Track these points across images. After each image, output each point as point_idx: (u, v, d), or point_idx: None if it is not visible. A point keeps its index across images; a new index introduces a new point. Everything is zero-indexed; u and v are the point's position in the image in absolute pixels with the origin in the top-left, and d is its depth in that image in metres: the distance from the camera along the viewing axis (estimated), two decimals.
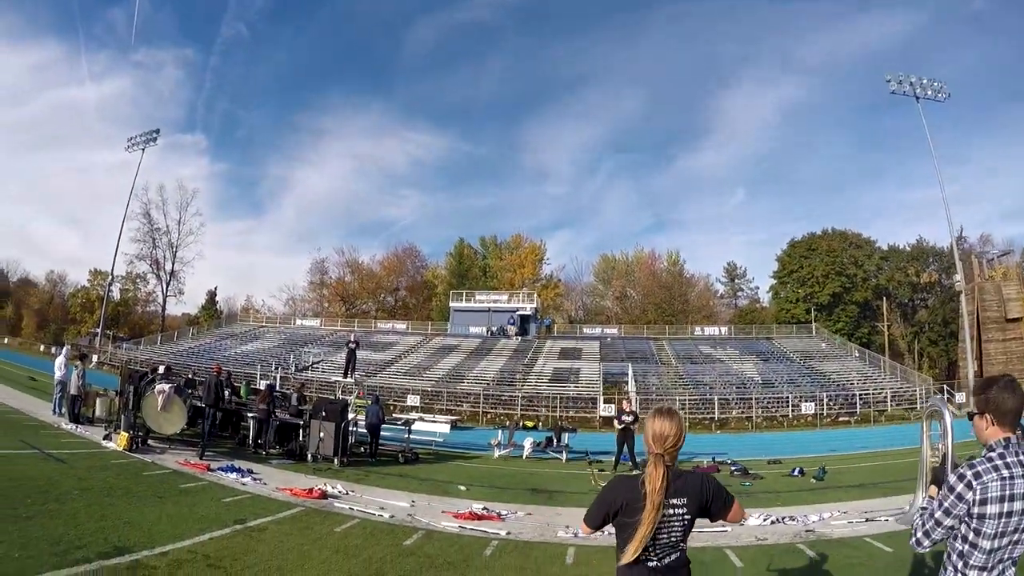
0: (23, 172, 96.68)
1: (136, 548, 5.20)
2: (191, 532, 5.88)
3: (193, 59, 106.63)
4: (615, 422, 15.09)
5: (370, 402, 14.39)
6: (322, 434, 11.47)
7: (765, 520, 7.94)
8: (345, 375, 17.78)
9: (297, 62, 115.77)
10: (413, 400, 28.55)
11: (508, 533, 7.02)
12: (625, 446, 13.46)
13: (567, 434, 15.95)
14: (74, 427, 12.25)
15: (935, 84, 37.51)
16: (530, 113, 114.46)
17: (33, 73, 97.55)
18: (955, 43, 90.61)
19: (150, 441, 11.06)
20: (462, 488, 10.09)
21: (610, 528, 2.40)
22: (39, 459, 8.90)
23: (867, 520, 7.82)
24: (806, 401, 28.02)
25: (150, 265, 59.50)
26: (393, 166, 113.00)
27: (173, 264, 59.51)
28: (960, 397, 30.31)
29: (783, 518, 8.07)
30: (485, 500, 8.96)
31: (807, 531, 7.42)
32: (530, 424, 15.84)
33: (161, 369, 15.23)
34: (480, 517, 7.73)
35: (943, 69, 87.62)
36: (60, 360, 13.61)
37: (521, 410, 27.97)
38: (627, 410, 14.14)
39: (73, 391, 12.98)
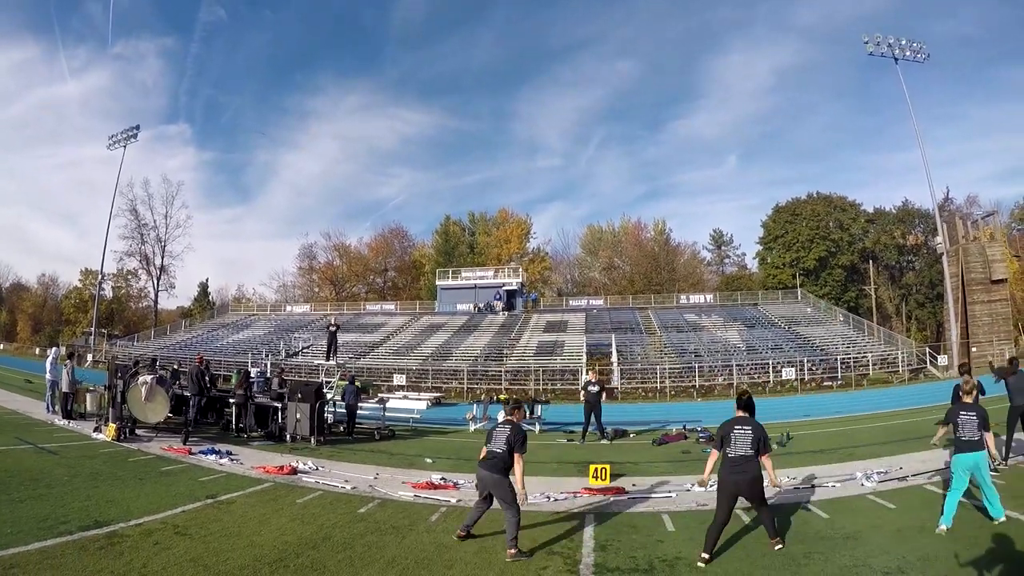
0: (11, 172, 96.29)
1: (114, 521, 5.95)
2: (165, 506, 6.63)
3: (173, 47, 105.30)
4: (581, 393, 15.71)
5: (346, 383, 14.99)
6: (299, 415, 12.17)
7: (712, 487, 7.93)
8: (327, 358, 18.46)
9: (280, 43, 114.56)
10: (399, 379, 29.24)
11: (459, 500, 7.49)
12: (592, 415, 13.66)
13: (540, 406, 16.59)
14: (66, 423, 12.99)
15: (914, 45, 36.89)
16: (521, 84, 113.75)
17: (13, 73, 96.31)
18: (947, 3, 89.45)
19: (138, 431, 11.82)
20: (428, 461, 10.63)
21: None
22: (33, 452, 9.63)
23: (812, 486, 7.95)
24: (787, 367, 28.56)
25: (140, 261, 59.92)
26: (382, 144, 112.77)
27: (163, 259, 59.97)
28: (943, 360, 30.81)
29: None
30: (448, 471, 9.40)
31: None
32: (503, 398, 16.53)
33: (151, 362, 15.93)
34: (436, 487, 8.32)
35: (937, 30, 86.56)
36: (50, 360, 14.23)
37: (507, 385, 28.80)
38: (593, 380, 14.31)
39: (64, 388, 13.67)
